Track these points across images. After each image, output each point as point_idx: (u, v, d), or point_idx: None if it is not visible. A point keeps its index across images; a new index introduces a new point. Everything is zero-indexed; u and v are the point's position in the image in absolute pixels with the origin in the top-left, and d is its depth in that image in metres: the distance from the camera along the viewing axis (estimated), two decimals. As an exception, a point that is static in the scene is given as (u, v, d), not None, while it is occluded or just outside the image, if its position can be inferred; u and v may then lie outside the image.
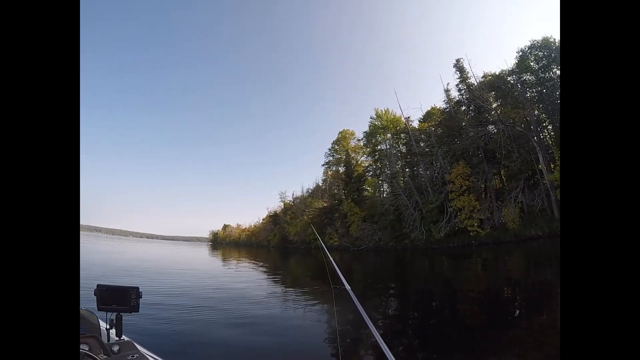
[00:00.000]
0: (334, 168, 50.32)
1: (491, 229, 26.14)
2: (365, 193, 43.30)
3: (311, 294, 11.34)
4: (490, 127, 28.30)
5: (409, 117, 36.73)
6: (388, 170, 38.97)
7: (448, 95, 33.54)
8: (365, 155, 45.70)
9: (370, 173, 43.49)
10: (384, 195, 40.45)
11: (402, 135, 37.56)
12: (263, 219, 74.34)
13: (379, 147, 40.83)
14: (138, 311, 2.48)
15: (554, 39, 27.01)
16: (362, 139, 44.93)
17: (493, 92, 29.98)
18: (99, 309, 2.44)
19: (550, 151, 25.97)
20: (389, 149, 39.31)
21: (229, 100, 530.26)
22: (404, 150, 38.08)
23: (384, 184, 42.27)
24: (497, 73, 30.51)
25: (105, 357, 2.04)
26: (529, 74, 28.51)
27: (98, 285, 2.43)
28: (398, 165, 38.14)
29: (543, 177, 24.52)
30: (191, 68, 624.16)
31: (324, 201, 49.30)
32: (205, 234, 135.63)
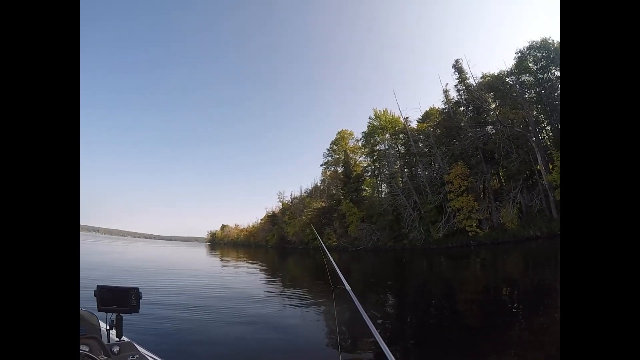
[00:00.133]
0: (332, 168, 50.32)
1: (490, 229, 26.19)
2: (364, 193, 43.40)
3: (311, 293, 11.34)
4: (489, 127, 28.29)
5: (407, 118, 36.79)
6: (386, 170, 38.99)
7: (447, 96, 33.60)
8: (363, 156, 45.78)
9: (369, 173, 43.51)
10: (383, 195, 40.44)
11: (400, 135, 37.59)
12: (261, 219, 74.35)
13: (377, 148, 40.85)
14: (138, 312, 2.47)
15: (553, 40, 27.11)
16: (360, 139, 45.01)
17: (492, 93, 30.00)
18: (99, 310, 2.43)
19: (548, 152, 26.00)
20: (388, 149, 39.30)
21: (229, 100, 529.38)
22: (402, 151, 38.08)
23: (383, 184, 42.29)
24: (496, 74, 30.52)
25: (106, 357, 2.03)
26: (527, 74, 28.59)
27: (98, 286, 2.42)
28: (396, 165, 38.15)
29: (541, 178, 24.57)
30: (191, 68, 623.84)
31: (323, 201, 49.30)
32: (204, 234, 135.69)
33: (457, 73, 32.13)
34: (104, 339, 2.33)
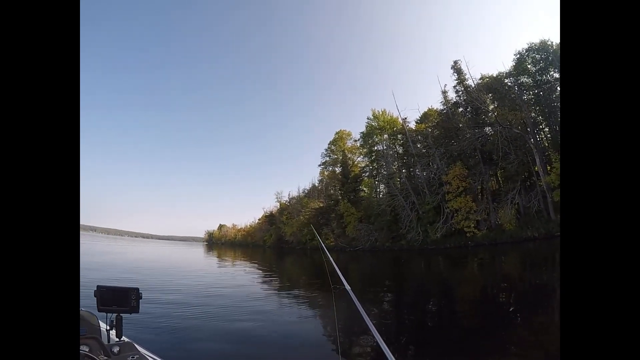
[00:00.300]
0: (330, 168, 50.25)
1: (487, 230, 26.24)
2: (362, 194, 43.39)
3: (310, 293, 11.36)
4: (488, 128, 28.35)
5: (405, 118, 36.80)
6: (385, 171, 38.99)
7: (445, 97, 33.56)
8: (361, 156, 45.71)
9: (367, 174, 43.52)
10: (381, 195, 40.47)
11: (399, 136, 37.66)
12: (259, 219, 74.35)
13: (375, 148, 40.86)
14: (138, 312, 2.48)
15: (552, 42, 27.21)
16: (358, 140, 44.93)
17: (490, 94, 30.07)
18: (99, 310, 2.44)
19: (546, 153, 26.09)
20: (386, 149, 39.31)
21: (229, 100, 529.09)
22: (400, 151, 38.15)
23: (381, 185, 42.32)
24: (495, 75, 30.58)
25: (106, 358, 2.04)
26: (526, 76, 28.68)
27: (98, 287, 2.42)
28: (395, 166, 38.16)
29: (539, 179, 24.66)
30: (191, 68, 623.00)
31: (320, 201, 49.28)
32: (202, 234, 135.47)
33: (455, 74, 32.12)
34: (104, 339, 2.34)
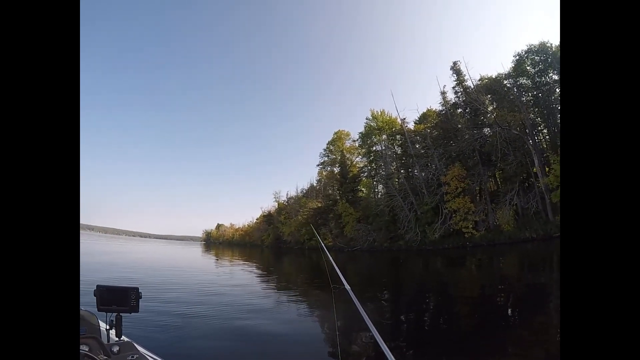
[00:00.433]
0: (328, 168, 50.24)
1: (486, 231, 26.31)
2: (360, 194, 43.42)
3: (309, 293, 11.37)
4: (486, 129, 28.47)
5: (404, 119, 36.79)
6: (383, 171, 39.03)
7: (444, 98, 33.64)
8: (360, 156, 45.76)
9: (365, 174, 43.58)
10: (379, 196, 40.53)
11: (397, 136, 37.65)
12: (257, 219, 74.24)
13: (374, 148, 40.89)
14: (138, 312, 2.46)
15: (551, 44, 27.34)
16: (357, 140, 45.01)
17: (489, 95, 30.19)
18: (99, 310, 2.43)
19: (545, 154, 26.22)
20: (385, 150, 39.32)
21: (229, 100, 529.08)
22: (399, 152, 38.14)
23: (379, 185, 42.37)
24: (494, 76, 30.74)
25: (105, 357, 2.03)
26: (525, 78, 28.81)
27: (98, 286, 2.41)
28: (393, 166, 38.16)
29: (538, 180, 24.71)
30: (191, 68, 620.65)
31: (319, 201, 49.26)
32: (200, 234, 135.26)
33: (455, 75, 32.16)
34: (104, 339, 2.33)
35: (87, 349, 1.98)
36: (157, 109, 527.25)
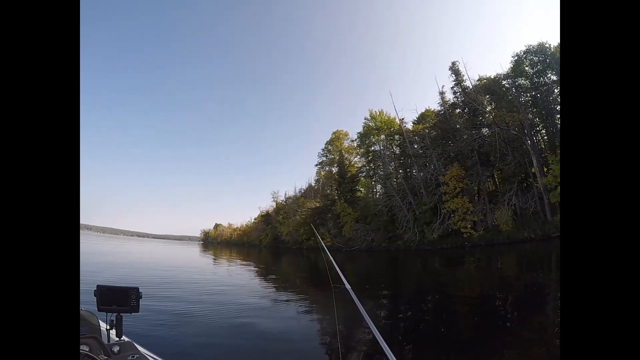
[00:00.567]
0: (327, 168, 50.30)
1: (484, 231, 26.34)
2: (359, 194, 43.43)
3: (309, 292, 11.38)
4: (485, 130, 28.52)
5: (403, 119, 36.80)
6: (381, 171, 39.03)
7: (443, 98, 33.67)
8: (358, 156, 45.84)
9: (364, 174, 43.60)
10: (377, 196, 40.56)
11: (396, 136, 37.65)
12: (255, 219, 74.09)
13: (372, 148, 40.97)
14: (138, 312, 2.47)
15: (550, 45, 27.37)
16: (355, 140, 45.05)
17: (488, 96, 30.22)
18: (99, 310, 2.44)
19: (543, 155, 26.28)
20: (383, 150, 39.36)
21: (229, 100, 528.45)
22: (397, 152, 38.15)
23: (378, 185, 42.40)
24: (493, 77, 30.75)
25: (106, 357, 2.03)
26: (523, 78, 28.83)
27: (98, 286, 2.42)
28: (392, 166, 38.16)
29: (536, 180, 24.78)
30: (191, 68, 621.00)
31: (317, 201, 49.21)
32: (199, 233, 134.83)
33: (453, 75, 32.15)
34: (104, 339, 2.34)
35: (87, 349, 1.99)
36: (157, 109, 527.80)
